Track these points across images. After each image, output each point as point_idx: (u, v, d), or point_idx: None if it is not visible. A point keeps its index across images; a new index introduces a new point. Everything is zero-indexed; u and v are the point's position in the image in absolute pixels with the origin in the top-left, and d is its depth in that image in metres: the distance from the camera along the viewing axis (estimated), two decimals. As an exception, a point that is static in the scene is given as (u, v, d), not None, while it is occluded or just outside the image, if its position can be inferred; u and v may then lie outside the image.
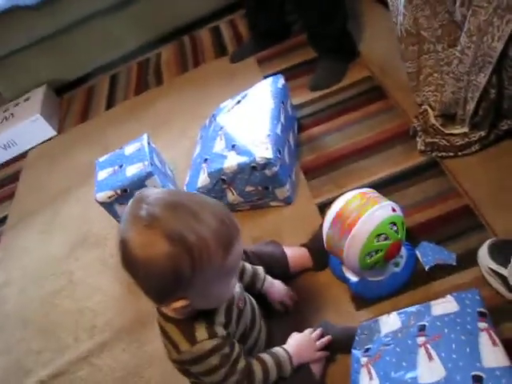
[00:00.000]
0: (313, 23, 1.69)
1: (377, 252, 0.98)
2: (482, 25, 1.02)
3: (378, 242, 0.96)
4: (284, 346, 0.94)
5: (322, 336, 0.98)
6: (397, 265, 1.07)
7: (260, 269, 1.05)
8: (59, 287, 1.50)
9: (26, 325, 1.44)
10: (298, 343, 0.95)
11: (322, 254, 1.13)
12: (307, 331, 0.98)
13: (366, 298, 1.07)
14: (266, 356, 0.90)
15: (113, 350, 1.26)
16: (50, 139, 2.26)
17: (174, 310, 0.77)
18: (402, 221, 1.00)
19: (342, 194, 1.03)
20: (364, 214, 0.96)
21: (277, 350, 0.93)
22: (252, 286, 1.03)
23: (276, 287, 1.07)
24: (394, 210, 0.98)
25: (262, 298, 1.05)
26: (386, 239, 0.97)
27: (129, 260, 0.71)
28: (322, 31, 1.68)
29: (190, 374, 0.86)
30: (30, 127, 2.22)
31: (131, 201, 0.74)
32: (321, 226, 1.12)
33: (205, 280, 0.73)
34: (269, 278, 1.06)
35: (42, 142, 2.26)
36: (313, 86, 1.72)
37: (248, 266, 1.03)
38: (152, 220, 0.69)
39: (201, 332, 0.79)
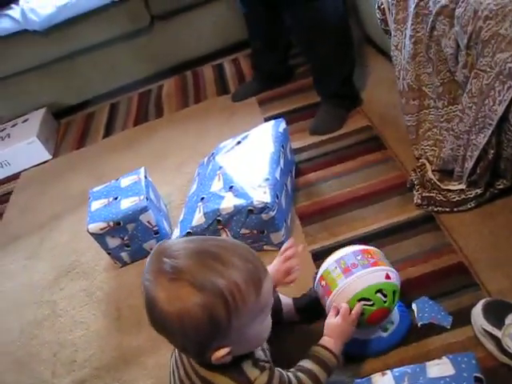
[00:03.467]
0: (320, 66, 1.72)
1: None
2: (484, 88, 1.04)
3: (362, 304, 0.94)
4: (320, 341, 0.91)
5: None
6: (385, 330, 1.04)
7: None
8: (40, 317, 1.45)
9: (2, 355, 1.39)
10: (335, 331, 0.91)
11: (307, 310, 1.11)
12: (339, 315, 0.93)
13: (349, 354, 1.03)
14: (306, 362, 0.88)
15: (91, 388, 1.21)
16: (44, 162, 2.25)
17: (217, 360, 0.73)
18: (395, 289, 0.97)
19: (336, 242, 1.03)
20: (355, 273, 0.95)
21: (314, 349, 0.90)
22: None
23: (274, 274, 0.98)
24: (387, 277, 0.96)
25: None
26: (371, 304, 0.94)
27: (160, 318, 0.69)
28: (328, 75, 1.71)
29: None
30: (26, 149, 2.21)
31: (151, 256, 0.72)
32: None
33: (242, 322, 0.71)
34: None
35: (36, 165, 2.24)
36: (313, 130, 1.73)
37: None
38: (176, 272, 0.67)
39: (252, 371, 0.78)
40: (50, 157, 2.26)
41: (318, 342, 0.92)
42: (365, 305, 0.94)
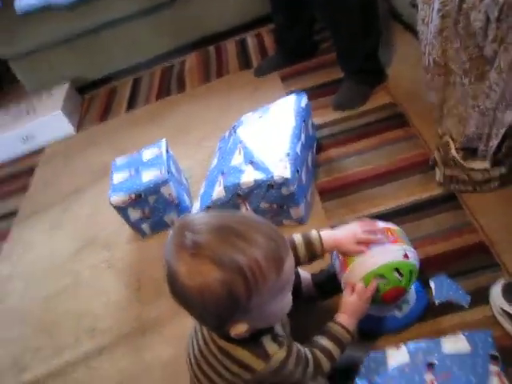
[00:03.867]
0: (345, 40, 1.69)
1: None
2: (513, 63, 1.01)
3: (377, 281, 0.94)
4: (336, 318, 0.91)
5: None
6: (400, 309, 1.03)
7: (312, 232, 0.94)
8: (63, 286, 1.49)
9: (27, 321, 1.44)
10: (349, 308, 0.91)
11: (324, 286, 1.12)
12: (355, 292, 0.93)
13: (363, 330, 1.04)
14: (320, 338, 0.89)
15: (111, 354, 1.25)
16: (68, 137, 2.28)
17: (236, 335, 0.74)
18: (412, 269, 0.95)
19: (356, 218, 1.01)
20: (373, 250, 0.94)
21: (329, 326, 0.91)
22: (313, 255, 0.94)
23: (341, 239, 0.94)
24: (405, 256, 0.94)
25: None
26: (386, 282, 0.93)
27: (181, 292, 0.70)
28: (353, 49, 1.68)
29: None
30: (50, 123, 2.24)
31: (173, 229, 0.72)
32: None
33: (262, 299, 0.71)
34: (325, 233, 0.95)
35: (60, 139, 2.28)
36: (336, 105, 1.71)
37: (297, 237, 0.94)
38: (198, 247, 0.67)
39: (270, 346, 0.79)
40: (74, 131, 2.29)
41: (332, 319, 0.92)
42: (380, 282, 0.93)
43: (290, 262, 0.74)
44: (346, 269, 0.95)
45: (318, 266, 1.14)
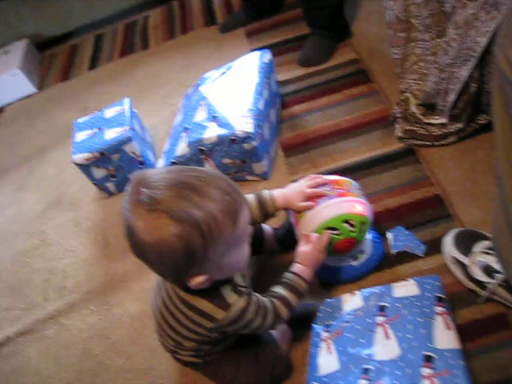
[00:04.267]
0: None
1: None
2: (469, 18, 1.03)
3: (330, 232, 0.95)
4: (292, 268, 0.94)
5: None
6: (356, 259, 1.06)
7: (264, 192, 0.98)
8: (31, 246, 1.49)
9: (-5, 281, 1.44)
10: (306, 258, 0.93)
11: (284, 240, 1.15)
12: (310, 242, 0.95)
13: (321, 280, 1.08)
14: (278, 288, 0.91)
15: (81, 311, 1.27)
16: (29, 96, 2.21)
17: (195, 286, 0.76)
18: (363, 220, 0.96)
19: (318, 173, 1.03)
20: (321, 204, 0.96)
21: (286, 276, 0.93)
22: (266, 215, 0.98)
23: (289, 196, 0.97)
24: (354, 208, 0.95)
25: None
26: (338, 234, 0.95)
27: (139, 246, 0.71)
28: (318, 5, 1.66)
29: (224, 333, 0.87)
30: (9, 82, 2.16)
31: (129, 185, 0.72)
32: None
33: (218, 252, 0.73)
34: (276, 192, 0.98)
35: (21, 99, 2.22)
36: (302, 60, 1.70)
37: (250, 197, 0.96)
38: (154, 203, 0.68)
39: (229, 295, 0.81)
40: (35, 90, 2.22)
41: (289, 269, 0.95)
42: (332, 234, 0.95)
43: (244, 214, 0.75)
44: (299, 224, 0.98)
45: (279, 220, 1.17)
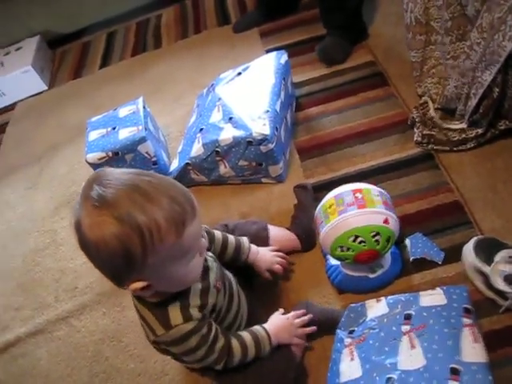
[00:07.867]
0: None
1: (348, 249, 0.97)
2: (495, 22, 1.01)
3: (353, 241, 0.95)
4: (264, 325, 0.94)
5: (304, 320, 0.98)
6: (373, 271, 1.05)
7: (244, 240, 1.04)
8: (42, 245, 1.48)
9: (6, 281, 1.43)
10: (279, 325, 0.95)
11: (307, 235, 1.15)
12: (290, 314, 0.98)
13: (337, 288, 1.08)
14: (245, 334, 0.91)
15: (93, 312, 1.26)
16: (40, 93, 2.20)
17: (134, 292, 0.75)
18: (390, 235, 0.96)
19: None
20: (360, 209, 0.95)
21: (257, 328, 0.93)
22: (236, 259, 1.03)
23: (261, 256, 1.05)
24: (385, 222, 0.95)
25: (246, 268, 1.05)
26: (361, 243, 0.95)
27: (82, 242, 0.70)
28: (336, 6, 1.64)
29: (168, 353, 0.88)
30: (20, 79, 2.15)
31: (86, 180, 0.72)
32: (295, 206, 1.22)
33: (160, 260, 0.71)
34: (254, 247, 1.05)
35: (32, 96, 2.20)
36: (322, 52, 1.68)
37: (231, 238, 1.02)
38: (102, 201, 0.67)
39: (175, 316, 0.79)
40: (46, 87, 2.21)
41: (264, 325, 0.94)
42: (358, 242, 0.95)
43: (194, 228, 0.73)
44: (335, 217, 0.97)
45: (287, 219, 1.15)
